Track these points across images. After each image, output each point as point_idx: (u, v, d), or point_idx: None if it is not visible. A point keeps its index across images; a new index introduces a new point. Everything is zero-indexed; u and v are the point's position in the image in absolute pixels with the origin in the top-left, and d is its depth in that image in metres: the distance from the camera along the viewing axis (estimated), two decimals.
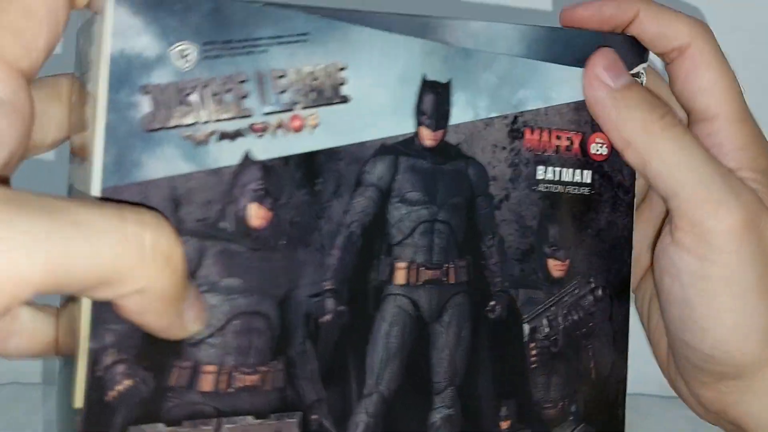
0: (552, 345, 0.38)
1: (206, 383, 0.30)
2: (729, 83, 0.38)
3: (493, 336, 0.36)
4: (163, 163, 0.29)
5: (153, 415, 0.29)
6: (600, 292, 0.39)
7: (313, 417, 0.32)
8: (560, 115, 0.38)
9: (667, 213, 0.39)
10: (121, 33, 0.28)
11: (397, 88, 0.34)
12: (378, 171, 0.34)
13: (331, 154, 0.32)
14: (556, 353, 0.38)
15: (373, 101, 0.33)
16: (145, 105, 0.29)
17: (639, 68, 0.39)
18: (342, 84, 0.33)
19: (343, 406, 0.33)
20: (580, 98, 0.38)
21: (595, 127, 0.38)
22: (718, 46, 0.39)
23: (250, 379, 0.31)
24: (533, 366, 0.37)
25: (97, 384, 0.28)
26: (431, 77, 0.35)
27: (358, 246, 0.33)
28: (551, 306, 0.38)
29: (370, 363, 0.33)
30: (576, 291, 0.39)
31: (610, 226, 0.39)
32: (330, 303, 0.32)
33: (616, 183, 0.39)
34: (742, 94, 0.39)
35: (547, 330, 0.38)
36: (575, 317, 0.39)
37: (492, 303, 0.36)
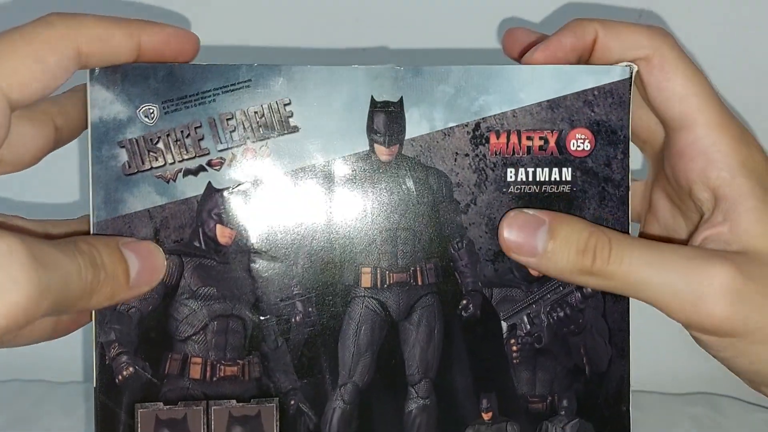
0: (535, 341, 0.40)
1: (195, 372, 0.39)
2: (701, 86, 0.36)
3: (469, 333, 0.39)
4: (141, 199, 0.38)
5: (153, 395, 0.38)
6: (589, 289, 0.40)
7: (291, 402, 0.39)
8: (531, 116, 0.39)
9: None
10: (97, 104, 0.37)
11: (345, 113, 0.38)
12: (335, 187, 0.39)
13: (287, 176, 0.38)
14: (540, 349, 0.40)
15: (322, 127, 0.38)
16: (122, 155, 0.38)
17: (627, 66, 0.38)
18: (288, 117, 0.38)
19: (318, 394, 0.39)
20: (554, 96, 0.39)
21: (574, 123, 0.39)
22: (682, 50, 0.36)
23: (230, 370, 0.38)
24: (516, 362, 0.40)
25: (107, 370, 0.38)
26: (380, 98, 0.39)
27: (321, 255, 0.39)
28: (531, 304, 0.40)
29: (342, 357, 0.39)
30: (560, 288, 0.40)
31: (598, 222, 0.39)
32: (299, 305, 0.39)
33: (602, 178, 0.39)
34: (716, 95, 0.36)
35: (528, 327, 0.40)
36: (561, 314, 0.40)
37: (464, 302, 0.39)
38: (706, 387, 0.61)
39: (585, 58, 0.37)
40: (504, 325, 0.39)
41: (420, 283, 0.38)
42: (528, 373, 0.39)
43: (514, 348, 0.39)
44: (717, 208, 0.37)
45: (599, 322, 0.39)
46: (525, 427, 0.38)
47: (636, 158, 0.41)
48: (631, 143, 0.39)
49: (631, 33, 0.36)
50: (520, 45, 0.39)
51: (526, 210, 0.36)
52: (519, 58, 0.40)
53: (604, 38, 0.36)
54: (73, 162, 0.58)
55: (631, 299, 0.39)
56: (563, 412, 0.39)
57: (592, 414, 0.39)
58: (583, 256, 0.35)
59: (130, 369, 0.36)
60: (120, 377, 0.36)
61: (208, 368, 0.37)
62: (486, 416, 0.38)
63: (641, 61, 0.37)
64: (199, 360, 0.37)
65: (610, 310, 0.39)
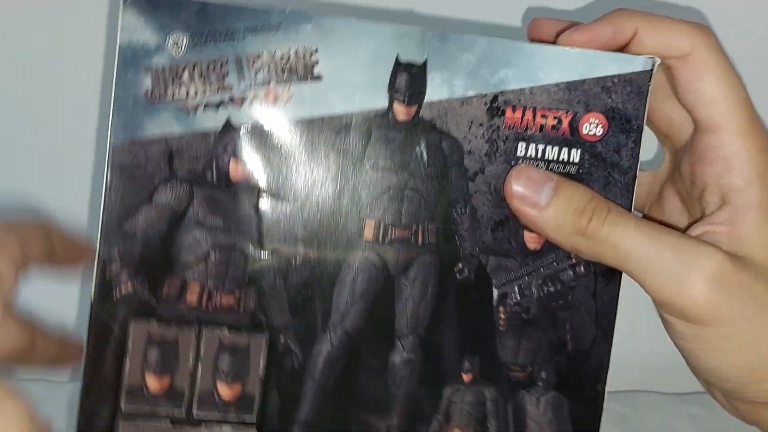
0: (524, 312, 0.41)
1: (191, 297, 0.40)
2: (734, 92, 0.36)
3: (461, 296, 0.41)
4: (161, 126, 0.39)
5: (148, 314, 0.40)
6: (582, 268, 0.41)
7: (281, 339, 0.40)
8: (548, 95, 0.40)
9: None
10: (128, 28, 0.38)
11: (369, 68, 0.39)
12: (350, 140, 0.40)
13: (304, 123, 0.39)
14: (527, 320, 0.41)
15: (345, 79, 0.39)
16: (147, 82, 0.38)
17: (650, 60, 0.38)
18: (314, 65, 0.39)
19: (309, 335, 0.40)
20: (574, 78, 0.40)
21: (589, 107, 0.40)
22: (723, 51, 0.36)
23: (227, 300, 0.40)
24: (502, 329, 0.41)
25: (106, 284, 0.39)
26: (405, 58, 0.39)
27: (329, 202, 0.40)
28: (524, 275, 0.41)
29: (336, 302, 0.40)
30: (554, 264, 0.41)
31: None
32: (301, 248, 0.40)
33: (610, 163, 0.40)
34: (749, 101, 0.36)
35: (518, 297, 0.41)
36: (551, 289, 0.41)
37: (460, 265, 0.41)
38: None
39: (618, 49, 0.38)
40: (495, 292, 0.40)
41: (420, 241, 0.39)
42: (513, 342, 0.40)
43: (502, 315, 0.40)
44: (721, 210, 0.37)
45: (588, 301, 0.40)
46: (503, 393, 0.40)
47: (648, 149, 0.41)
48: (650, 134, 0.39)
49: (672, 31, 0.36)
50: (544, 34, 0.40)
51: (535, 167, 0.37)
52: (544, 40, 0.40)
53: (643, 34, 0.36)
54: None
55: (622, 286, 0.40)
56: (541, 384, 0.40)
57: (569, 389, 0.40)
58: (580, 215, 0.36)
59: (129, 286, 0.37)
60: (118, 293, 0.37)
61: (205, 295, 0.38)
62: (466, 377, 0.40)
63: (677, 59, 0.37)
64: (196, 286, 0.38)
65: (601, 292, 0.40)
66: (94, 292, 0.37)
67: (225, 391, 0.39)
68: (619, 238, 0.36)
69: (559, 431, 0.40)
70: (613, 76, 0.39)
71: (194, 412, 0.39)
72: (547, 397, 0.40)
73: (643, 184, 0.43)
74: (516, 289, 0.41)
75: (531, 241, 0.40)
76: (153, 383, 0.38)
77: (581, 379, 0.40)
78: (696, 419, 0.62)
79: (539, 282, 0.40)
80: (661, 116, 0.40)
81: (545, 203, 0.36)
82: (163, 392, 0.38)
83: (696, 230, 0.38)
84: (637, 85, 0.39)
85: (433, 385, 0.40)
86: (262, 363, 0.39)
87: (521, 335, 0.41)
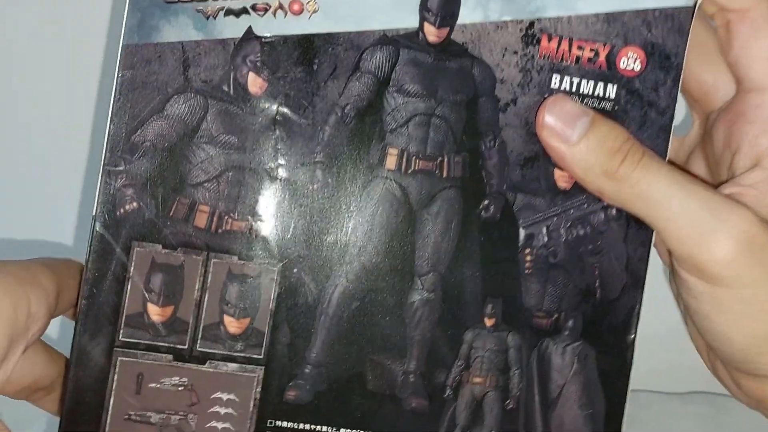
0: (550, 255, 0.39)
1: (200, 220, 0.37)
2: None
3: (485, 235, 0.38)
4: (177, 30, 0.36)
5: (153, 236, 0.37)
6: (614, 211, 0.38)
7: (294, 270, 0.37)
8: (586, 25, 0.38)
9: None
10: None
11: None
12: (377, 59, 0.37)
13: (329, 38, 0.37)
14: (554, 264, 0.39)
15: None
16: None
17: None
18: None
19: (323, 267, 0.37)
20: (614, 9, 0.38)
21: (628, 40, 0.38)
22: None
23: (238, 225, 0.37)
24: (527, 272, 0.38)
25: (110, 200, 0.36)
26: None
27: (351, 127, 0.37)
28: (553, 216, 0.39)
29: (353, 234, 0.37)
30: (585, 206, 0.39)
31: None
32: (319, 173, 0.37)
33: (647, 101, 0.38)
34: None
35: (545, 239, 0.39)
36: (581, 232, 0.39)
37: (485, 202, 0.38)
38: (706, 386, 0.60)
39: None
40: (522, 233, 0.38)
41: (445, 174, 0.37)
42: (538, 286, 0.38)
43: (528, 258, 0.38)
44: (752, 173, 0.36)
45: (619, 246, 0.38)
46: (526, 340, 0.37)
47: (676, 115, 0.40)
48: (681, 99, 0.38)
49: None
50: None
51: (571, 99, 0.35)
52: None
53: None
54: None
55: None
56: (567, 332, 0.38)
57: (596, 339, 0.37)
58: (613, 156, 0.34)
59: (134, 204, 0.34)
60: (122, 210, 0.34)
61: (215, 219, 0.35)
62: (489, 322, 0.37)
63: (737, 13, 0.35)
64: (206, 208, 0.35)
65: (632, 237, 0.38)
66: (97, 206, 0.34)
67: (232, 324, 0.36)
68: (649, 184, 0.34)
69: (586, 384, 0.37)
70: (654, 10, 0.37)
71: (198, 345, 0.36)
72: (573, 346, 0.38)
73: (670, 149, 0.41)
74: (543, 230, 0.38)
75: (561, 179, 0.38)
76: (155, 312, 0.35)
77: (610, 329, 0.38)
78: (696, 418, 0.61)
79: (568, 224, 0.38)
80: (695, 79, 0.38)
81: (577, 139, 0.34)
82: (165, 322, 0.35)
83: (723, 191, 0.36)
84: (678, 20, 0.37)
85: (453, 327, 0.37)
86: (273, 295, 0.36)
87: (547, 280, 0.38)
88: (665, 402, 0.61)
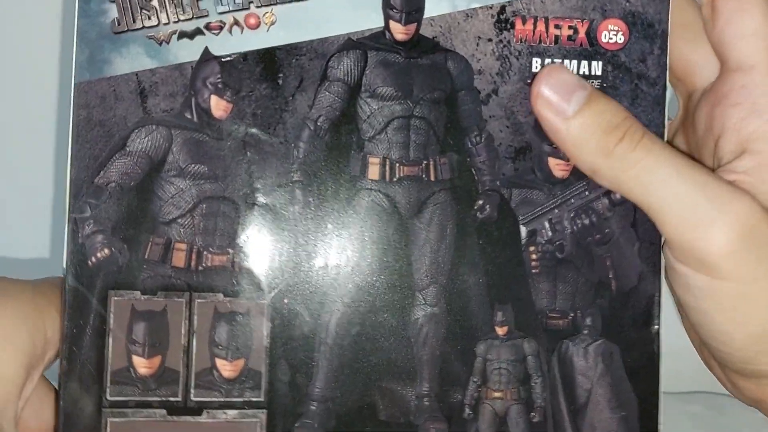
0: (557, 250, 0.36)
1: (178, 259, 0.34)
2: None
3: (484, 237, 0.35)
4: (130, 61, 0.34)
5: (130, 283, 0.34)
6: (618, 195, 0.36)
7: (284, 301, 0.34)
8: (561, 2, 0.35)
9: None
10: None
11: None
12: (344, 66, 0.35)
13: (292, 49, 0.34)
14: (562, 259, 0.36)
15: None
16: (112, 11, 0.34)
17: None
18: None
19: (316, 293, 0.34)
20: None
21: (607, 13, 0.35)
22: None
23: (219, 259, 0.34)
24: (534, 271, 0.36)
25: (79, 249, 0.34)
26: None
27: (326, 140, 0.35)
28: (553, 208, 0.36)
29: (344, 254, 0.35)
30: (586, 193, 0.36)
31: None
32: (299, 193, 0.35)
33: (636, 74, 0.36)
34: None
35: (549, 234, 0.36)
36: (586, 221, 0.36)
37: (480, 202, 0.36)
38: (706, 386, 0.58)
39: None
40: (523, 229, 0.35)
41: (433, 178, 0.34)
42: (548, 285, 0.35)
43: (534, 256, 0.35)
44: (742, 159, 0.33)
45: (628, 231, 0.35)
46: (543, 344, 0.34)
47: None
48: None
49: None
50: None
51: (569, 70, 0.33)
52: None
53: None
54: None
55: None
56: (586, 331, 0.35)
57: (618, 334, 0.35)
58: (611, 133, 0.31)
59: (106, 250, 0.32)
60: (93, 258, 0.32)
61: (194, 255, 0.32)
62: (501, 330, 0.34)
63: None
64: (183, 246, 0.32)
65: (641, 219, 0.35)
66: (67, 259, 0.32)
67: (226, 367, 0.33)
68: (647, 167, 0.32)
69: (614, 384, 0.34)
70: None
71: (192, 395, 0.33)
72: (595, 345, 0.35)
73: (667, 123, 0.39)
74: (546, 224, 0.35)
75: (557, 168, 0.35)
76: (142, 364, 0.32)
77: (630, 322, 0.35)
78: (696, 418, 0.59)
79: (571, 215, 0.35)
80: (677, 56, 0.36)
81: (572, 113, 0.31)
82: (154, 374, 0.32)
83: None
84: None
85: (464, 341, 0.34)
86: (266, 331, 0.33)
87: (556, 277, 0.35)
88: (665, 402, 0.59)
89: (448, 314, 0.34)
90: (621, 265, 0.35)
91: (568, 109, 0.32)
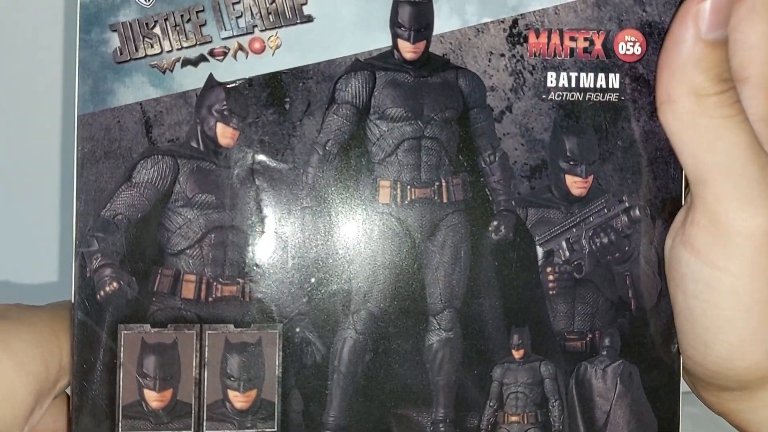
0: (575, 270, 0.35)
1: (187, 291, 0.34)
2: None
3: (500, 258, 0.35)
4: (134, 90, 0.33)
5: (140, 316, 0.33)
6: (637, 212, 0.35)
7: (296, 329, 0.34)
8: (575, 13, 0.34)
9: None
10: None
11: (365, 2, 0.34)
12: (353, 88, 0.34)
13: (298, 73, 0.33)
14: (580, 279, 0.35)
15: (341, 18, 0.33)
16: (114, 40, 0.33)
17: None
18: (303, 5, 0.34)
19: (327, 321, 0.34)
20: None
21: (623, 24, 0.34)
22: None
23: (229, 290, 0.34)
24: (552, 293, 0.35)
25: (88, 284, 0.33)
26: None
27: (335, 164, 0.34)
28: (571, 227, 0.35)
29: (355, 281, 0.34)
30: (604, 211, 0.35)
31: (649, 136, 0.34)
32: (308, 220, 0.34)
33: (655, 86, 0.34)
34: None
35: (567, 254, 0.35)
36: (605, 240, 0.35)
37: (495, 223, 0.35)
38: None
39: None
40: (540, 250, 0.34)
41: (445, 200, 0.33)
42: (566, 306, 0.34)
43: (551, 277, 0.34)
44: None
45: (648, 250, 0.34)
46: (561, 367, 0.33)
47: None
48: None
49: None
50: None
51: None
52: None
53: None
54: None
55: None
56: (605, 352, 0.34)
57: (637, 355, 0.34)
58: (719, 82, 0.31)
59: (114, 284, 0.31)
60: (102, 293, 0.31)
61: (203, 287, 0.32)
62: (517, 354, 0.33)
63: None
64: (192, 277, 0.32)
65: (661, 237, 0.34)
66: (75, 293, 0.31)
67: (238, 398, 0.32)
68: (728, 125, 0.31)
69: (633, 405, 0.33)
70: None
71: (205, 428, 0.32)
72: (614, 366, 0.34)
73: None
74: (563, 244, 0.34)
75: (575, 186, 0.34)
76: (153, 398, 0.32)
77: (650, 342, 0.34)
78: (696, 419, 0.58)
79: (590, 234, 0.34)
80: None
81: (712, 39, 0.31)
82: (166, 408, 0.32)
83: None
84: None
85: (480, 365, 0.33)
86: (277, 360, 0.32)
87: (575, 298, 0.34)
88: None
89: (464, 339, 0.34)
90: (641, 283, 0.34)
91: (712, 32, 0.31)
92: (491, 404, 0.34)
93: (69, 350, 0.32)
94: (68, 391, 0.33)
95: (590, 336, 0.34)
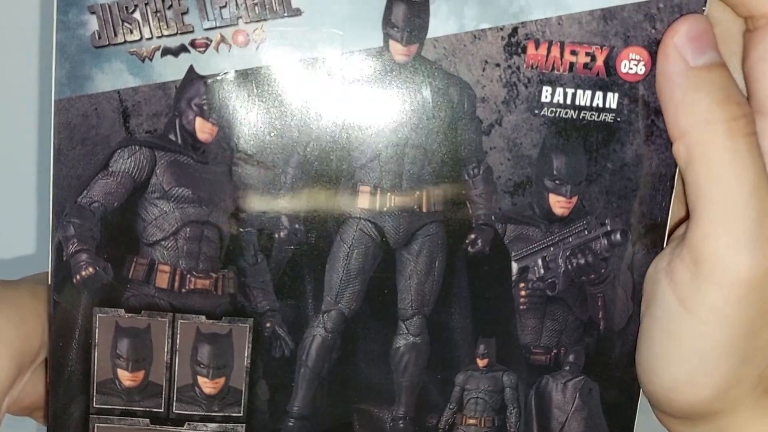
0: (548, 288, 0.35)
1: (161, 280, 0.34)
2: None
3: (473, 271, 0.35)
4: (111, 78, 0.32)
5: (115, 301, 0.34)
6: (618, 236, 0.34)
7: (267, 324, 0.34)
8: (580, 25, 0.32)
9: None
10: None
11: None
12: (338, 89, 0.33)
13: (282, 68, 0.32)
14: (552, 297, 0.35)
15: (330, 13, 0.32)
16: (92, 23, 0.32)
17: None
18: None
19: (298, 318, 0.34)
20: (610, 4, 0.32)
21: (629, 40, 0.32)
22: None
23: (202, 283, 0.34)
24: (522, 308, 0.35)
25: (63, 268, 0.34)
26: None
27: (315, 166, 0.33)
28: (549, 246, 0.35)
29: (328, 281, 0.34)
30: (585, 232, 0.34)
31: (639, 161, 0.33)
32: (285, 220, 0.34)
33: (654, 109, 0.33)
34: None
35: (542, 271, 0.35)
36: (581, 261, 0.35)
37: (472, 236, 0.34)
38: None
39: None
40: (515, 266, 0.34)
41: (425, 209, 0.33)
42: (535, 321, 0.34)
43: (523, 293, 0.34)
44: None
45: (624, 274, 0.33)
46: (523, 378, 0.34)
47: None
48: None
49: None
50: None
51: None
52: None
53: None
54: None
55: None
56: (568, 368, 0.34)
57: (600, 373, 0.34)
58: (726, 104, 0.30)
59: (90, 269, 0.32)
60: (78, 277, 0.32)
61: (177, 278, 0.32)
62: (481, 363, 0.34)
63: (762, 19, 0.30)
64: (167, 268, 0.32)
65: (638, 263, 0.33)
66: (52, 276, 0.32)
67: (207, 384, 0.34)
68: (735, 161, 0.29)
69: (589, 419, 0.34)
70: (658, 2, 0.31)
71: (174, 408, 0.34)
72: (575, 381, 0.34)
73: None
74: (539, 261, 0.34)
75: (558, 205, 0.33)
76: (126, 377, 0.33)
77: (615, 362, 0.34)
78: None
79: (567, 253, 0.34)
80: None
81: (703, 64, 0.30)
82: (137, 387, 0.33)
83: None
84: (687, 12, 0.31)
85: (444, 371, 0.34)
86: (246, 352, 0.33)
87: (545, 314, 0.34)
88: None
89: (431, 345, 0.34)
90: (613, 306, 0.35)
91: (700, 58, 0.30)
92: (451, 406, 0.35)
93: (48, 325, 0.33)
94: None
95: (555, 351, 0.35)
